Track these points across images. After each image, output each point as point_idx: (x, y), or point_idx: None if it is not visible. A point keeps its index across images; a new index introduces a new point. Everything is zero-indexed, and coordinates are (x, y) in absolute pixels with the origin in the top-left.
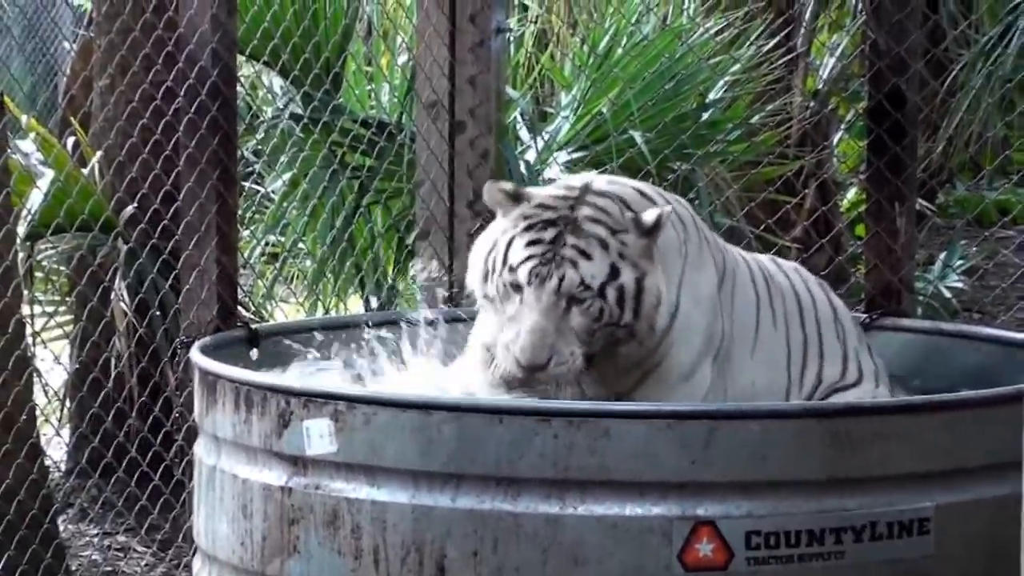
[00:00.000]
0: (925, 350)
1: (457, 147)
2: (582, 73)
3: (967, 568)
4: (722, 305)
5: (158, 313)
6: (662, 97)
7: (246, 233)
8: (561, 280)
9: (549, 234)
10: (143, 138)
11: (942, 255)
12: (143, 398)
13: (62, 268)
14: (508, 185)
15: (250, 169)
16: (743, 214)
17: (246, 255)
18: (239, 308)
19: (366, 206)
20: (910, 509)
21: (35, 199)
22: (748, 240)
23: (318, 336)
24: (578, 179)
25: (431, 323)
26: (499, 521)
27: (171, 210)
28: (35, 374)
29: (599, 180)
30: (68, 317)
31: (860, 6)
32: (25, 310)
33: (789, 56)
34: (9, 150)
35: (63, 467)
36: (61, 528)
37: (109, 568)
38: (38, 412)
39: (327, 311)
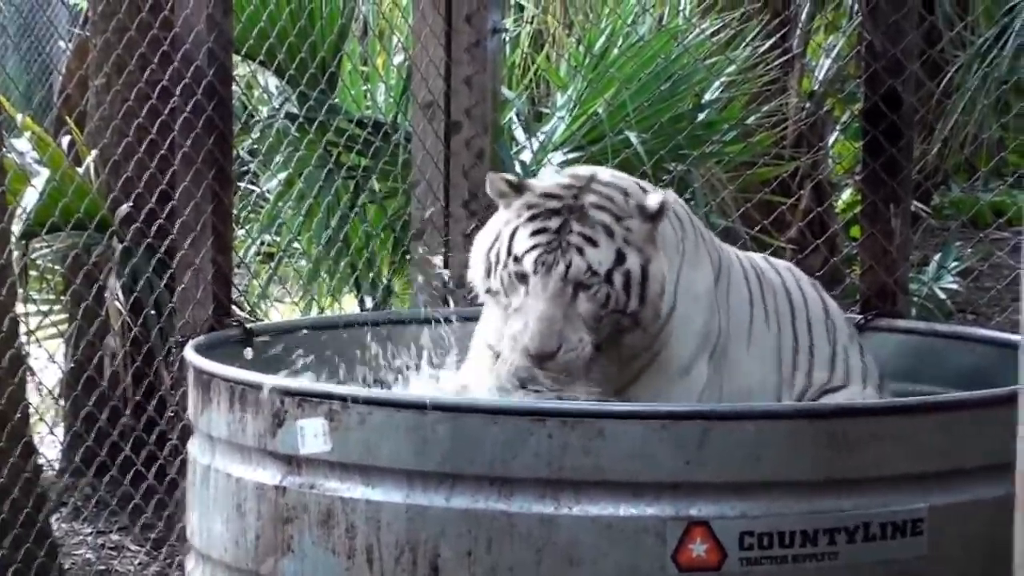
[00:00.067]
0: (920, 351)
1: (453, 147)
2: (578, 73)
3: (960, 569)
4: (718, 302)
5: (153, 312)
6: (658, 98)
7: (241, 232)
8: (568, 267)
9: (554, 222)
10: (139, 137)
11: (937, 256)
12: (137, 397)
13: (57, 267)
14: (511, 176)
15: (245, 168)
16: (738, 215)
17: (241, 254)
18: (234, 307)
19: (361, 206)
20: (903, 510)
21: (30, 198)
22: (743, 241)
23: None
24: (582, 169)
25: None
26: (493, 521)
27: (166, 209)
28: (29, 372)
29: (603, 171)
30: (63, 316)
31: (856, 7)
32: (20, 308)
33: (785, 57)
34: (4, 149)
35: (57, 466)
36: (55, 527)
37: (103, 567)
38: (32, 411)
39: (322, 311)
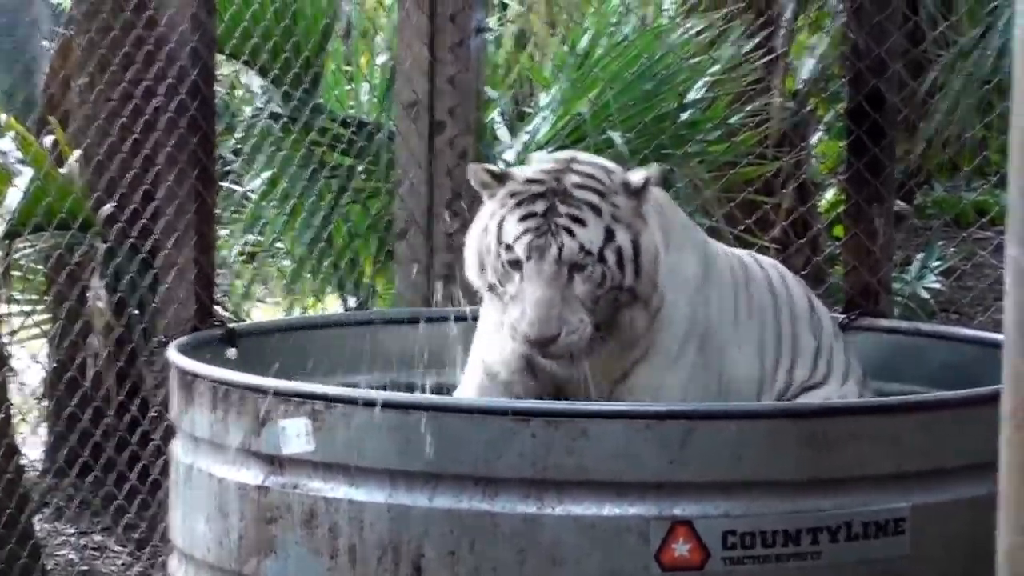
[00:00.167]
0: (903, 351)
1: (436, 147)
2: (561, 73)
3: (943, 568)
4: (705, 290)
5: (136, 312)
6: (641, 97)
7: (224, 232)
8: (561, 249)
9: (540, 206)
10: (122, 137)
11: (920, 256)
12: (120, 397)
13: (40, 267)
14: (492, 166)
15: (228, 168)
16: (722, 214)
17: (224, 254)
18: (217, 307)
19: (345, 206)
20: (885, 509)
21: (13, 197)
22: (727, 240)
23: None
24: (560, 153)
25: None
26: (477, 521)
27: (150, 209)
28: (11, 373)
29: (581, 153)
30: (46, 316)
31: (840, 7)
32: (2, 308)
33: (769, 57)
34: None
35: (40, 466)
36: (37, 527)
37: (85, 567)
38: (15, 411)
39: (305, 311)
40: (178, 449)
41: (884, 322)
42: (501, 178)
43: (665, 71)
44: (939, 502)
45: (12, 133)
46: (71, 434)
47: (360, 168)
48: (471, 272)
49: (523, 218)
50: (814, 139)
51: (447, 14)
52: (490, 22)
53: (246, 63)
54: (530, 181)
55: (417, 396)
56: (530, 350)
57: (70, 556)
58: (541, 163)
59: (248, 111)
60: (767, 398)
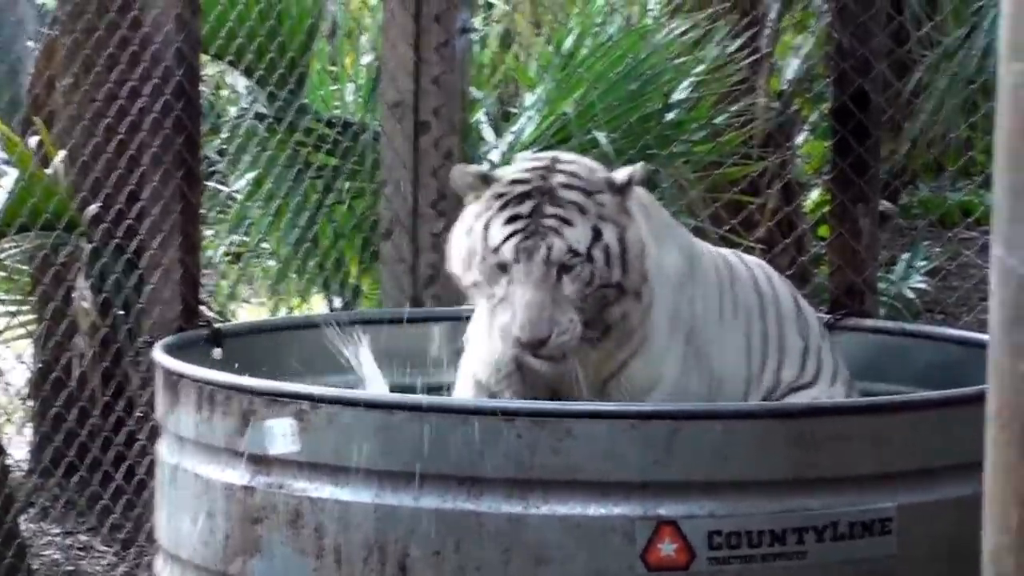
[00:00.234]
0: (888, 351)
1: (421, 147)
2: (546, 73)
3: (928, 568)
4: (689, 287)
5: (121, 312)
6: (627, 97)
7: (210, 233)
8: (549, 250)
9: (526, 207)
10: (107, 137)
11: (905, 256)
12: (106, 397)
13: (25, 267)
14: (476, 168)
15: (213, 169)
16: (707, 215)
17: (210, 254)
18: (203, 308)
19: (330, 206)
20: (872, 509)
21: None
22: (712, 240)
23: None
24: (543, 154)
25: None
26: (462, 521)
27: (135, 209)
28: None
29: (563, 153)
30: (31, 316)
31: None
32: None
33: (753, 57)
34: None
35: (25, 466)
36: (23, 527)
37: (71, 567)
38: (0, 411)
39: (291, 311)
40: (164, 449)
41: (869, 322)
42: (486, 179)
43: (650, 71)
44: (925, 502)
45: None
46: (57, 434)
47: (345, 168)
48: (456, 271)
49: (509, 220)
50: (799, 139)
51: (432, 14)
52: (475, 22)
53: (231, 63)
54: (515, 182)
55: (403, 396)
56: (522, 352)
57: (55, 556)
58: (524, 163)
59: (233, 111)
60: (754, 398)
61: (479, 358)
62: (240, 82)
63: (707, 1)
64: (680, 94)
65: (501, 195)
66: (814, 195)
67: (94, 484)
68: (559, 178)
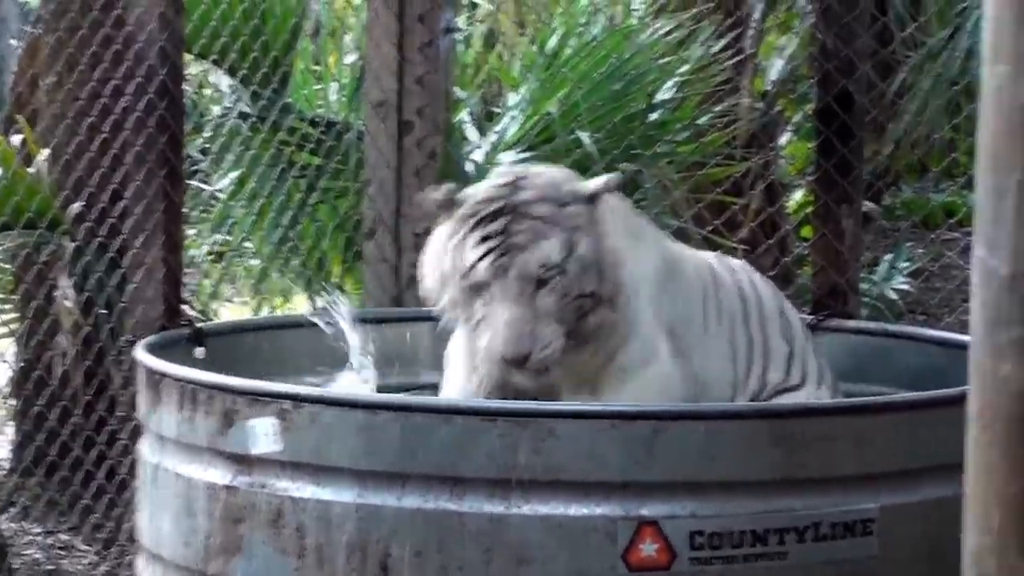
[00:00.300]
0: (871, 352)
1: (405, 147)
2: (530, 73)
3: (910, 569)
4: (668, 289)
5: (104, 311)
6: (610, 97)
7: (192, 232)
8: (524, 266)
9: (498, 224)
10: (90, 136)
11: (888, 257)
12: (88, 396)
13: (7, 265)
14: (443, 191)
15: (196, 168)
16: (690, 215)
17: (192, 253)
18: (185, 307)
19: (313, 205)
20: (854, 510)
21: None
22: (695, 241)
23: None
24: (509, 168)
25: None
26: (444, 520)
27: (118, 208)
28: None
29: (532, 166)
30: (13, 315)
31: (809, 8)
32: None
33: (738, 58)
34: None
35: (6, 465)
36: (3, 526)
37: (51, 566)
38: None
39: (273, 310)
40: (145, 448)
41: (852, 323)
42: (454, 202)
43: (634, 71)
44: (907, 503)
45: None
46: (38, 433)
47: (329, 168)
48: (430, 292)
49: (481, 240)
50: (783, 140)
51: (416, 14)
52: (459, 22)
53: (215, 62)
54: (483, 201)
55: (385, 396)
56: (505, 369)
57: (36, 555)
58: (491, 180)
59: (217, 110)
60: (740, 400)
61: (460, 375)
62: (223, 81)
63: (691, 1)
64: (664, 94)
65: (472, 215)
66: (797, 196)
67: (76, 483)
68: (527, 193)
